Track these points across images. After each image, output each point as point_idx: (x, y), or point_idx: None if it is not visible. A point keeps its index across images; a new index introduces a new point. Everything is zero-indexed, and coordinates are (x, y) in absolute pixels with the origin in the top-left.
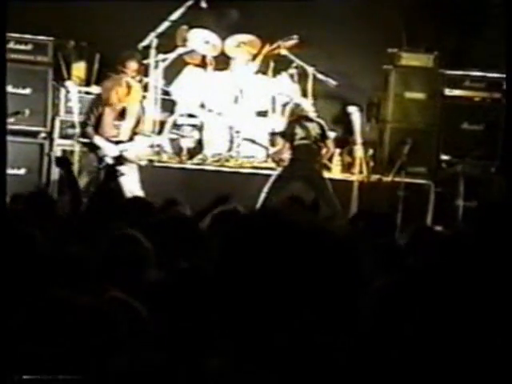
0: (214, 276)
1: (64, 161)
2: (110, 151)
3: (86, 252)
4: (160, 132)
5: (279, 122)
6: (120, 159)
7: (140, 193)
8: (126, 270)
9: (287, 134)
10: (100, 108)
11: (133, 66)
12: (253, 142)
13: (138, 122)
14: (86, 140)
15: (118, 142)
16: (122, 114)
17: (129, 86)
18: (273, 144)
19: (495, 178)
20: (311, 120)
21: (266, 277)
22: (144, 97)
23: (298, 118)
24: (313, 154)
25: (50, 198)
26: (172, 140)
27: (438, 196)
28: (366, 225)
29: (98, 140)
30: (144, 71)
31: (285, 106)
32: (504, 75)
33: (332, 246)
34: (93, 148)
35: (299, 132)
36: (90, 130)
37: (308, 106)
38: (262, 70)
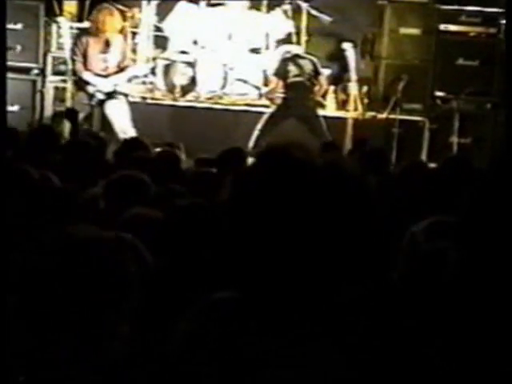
0: (225, 214)
1: (72, 113)
2: (102, 86)
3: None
4: (153, 69)
5: (272, 59)
6: (113, 94)
7: (132, 130)
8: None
9: (280, 72)
10: (84, 41)
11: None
12: (245, 82)
13: (124, 56)
14: (75, 77)
15: (106, 76)
16: (106, 45)
17: (110, 12)
18: (266, 82)
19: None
20: (303, 57)
21: (281, 216)
22: (135, 33)
23: (291, 55)
24: (306, 92)
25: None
26: (165, 77)
27: (432, 132)
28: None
29: (87, 76)
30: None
31: (279, 42)
32: (500, 9)
33: (346, 183)
34: (82, 85)
35: (292, 69)
36: (78, 65)
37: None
38: (256, 6)
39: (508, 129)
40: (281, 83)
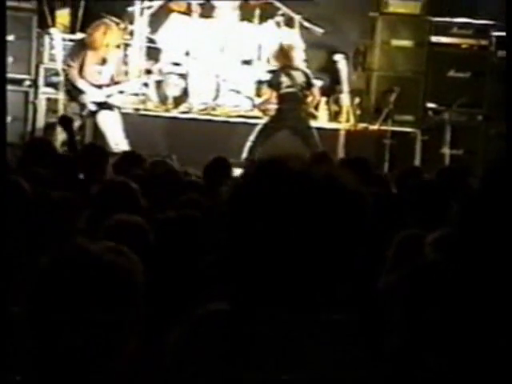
0: (222, 224)
1: (67, 120)
2: (94, 96)
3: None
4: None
5: (264, 71)
6: (105, 105)
7: (124, 142)
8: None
9: (273, 83)
10: (82, 52)
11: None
12: (238, 92)
13: (118, 70)
14: (68, 86)
15: (99, 87)
16: (103, 60)
17: (107, 28)
18: (259, 94)
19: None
20: (296, 68)
21: (278, 226)
22: (127, 44)
23: (283, 66)
24: (299, 103)
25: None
26: (158, 88)
27: (424, 144)
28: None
29: (81, 84)
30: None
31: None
32: (492, 21)
33: (343, 195)
34: (75, 93)
35: (285, 80)
36: (73, 72)
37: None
38: (248, 18)
39: (508, 140)
40: (274, 94)
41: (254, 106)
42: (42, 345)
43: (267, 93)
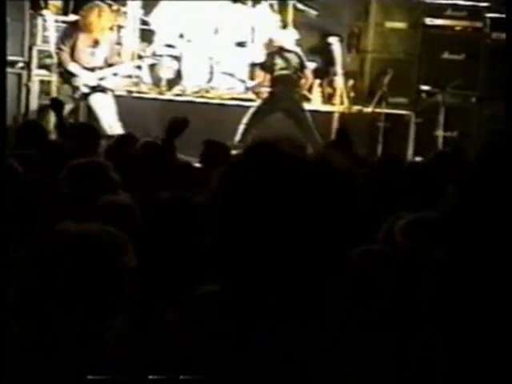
0: (213, 207)
1: (58, 103)
2: (86, 79)
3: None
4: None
5: (258, 53)
6: (98, 88)
7: (117, 124)
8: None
9: (267, 66)
10: (74, 35)
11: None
12: (231, 75)
13: (112, 52)
14: (60, 69)
15: (92, 70)
16: (95, 42)
17: (101, 10)
18: (252, 76)
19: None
20: (290, 50)
21: (269, 210)
22: (121, 26)
23: (277, 49)
24: (293, 85)
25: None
26: (151, 70)
27: (418, 126)
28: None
29: (73, 67)
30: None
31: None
32: (486, 3)
33: (336, 178)
34: (67, 77)
35: (279, 63)
36: (65, 56)
37: (285, 37)
38: (242, 0)
39: (507, 122)
40: (267, 77)
41: (248, 88)
42: (32, 331)
43: (261, 75)
